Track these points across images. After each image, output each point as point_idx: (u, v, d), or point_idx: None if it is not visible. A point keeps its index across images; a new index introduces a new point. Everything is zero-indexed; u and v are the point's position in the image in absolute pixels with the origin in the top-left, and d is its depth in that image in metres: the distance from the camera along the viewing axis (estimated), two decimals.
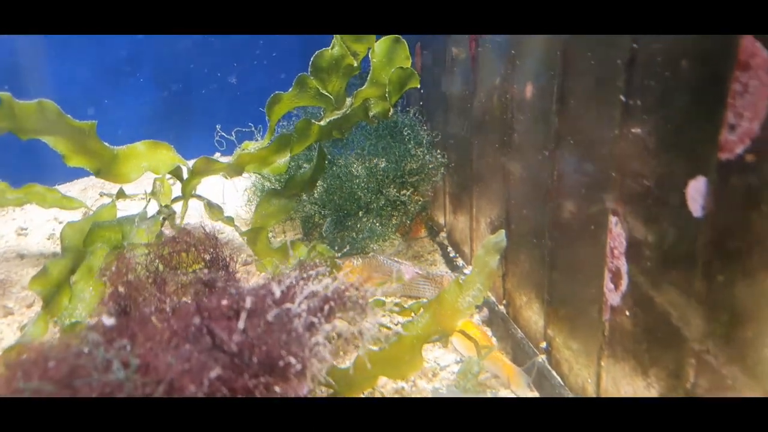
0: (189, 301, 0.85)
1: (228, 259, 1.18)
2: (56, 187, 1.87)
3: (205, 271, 1.07)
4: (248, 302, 0.72)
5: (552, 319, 1.15)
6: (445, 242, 1.86)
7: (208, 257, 1.21)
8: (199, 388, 0.71)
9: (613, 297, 0.92)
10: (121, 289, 1.01)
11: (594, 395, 0.99)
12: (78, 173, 2.33)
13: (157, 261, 1.11)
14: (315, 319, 0.83)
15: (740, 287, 0.68)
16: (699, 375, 0.74)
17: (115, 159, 1.41)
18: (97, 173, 1.36)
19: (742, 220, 0.67)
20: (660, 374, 0.82)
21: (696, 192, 0.73)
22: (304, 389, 0.78)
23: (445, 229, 1.90)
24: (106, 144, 1.38)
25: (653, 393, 0.83)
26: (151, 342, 0.80)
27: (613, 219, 0.91)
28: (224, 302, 0.72)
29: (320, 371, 0.79)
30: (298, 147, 1.49)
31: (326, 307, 0.88)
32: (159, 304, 0.98)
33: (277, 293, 0.77)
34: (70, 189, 2.28)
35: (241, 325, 0.70)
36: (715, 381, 0.72)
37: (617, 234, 0.90)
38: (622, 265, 0.89)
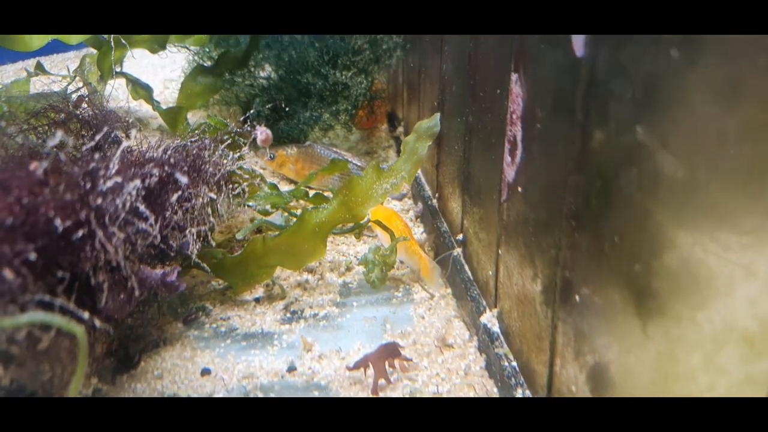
0: None
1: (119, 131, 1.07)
2: None
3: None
4: None
5: (467, 208, 1.01)
6: (402, 137, 1.70)
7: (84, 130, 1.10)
8: None
9: (509, 172, 0.77)
10: None
11: (493, 290, 0.86)
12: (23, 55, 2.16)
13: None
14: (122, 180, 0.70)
15: (612, 146, 0.52)
16: (573, 260, 0.60)
17: None
18: None
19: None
20: (544, 261, 0.68)
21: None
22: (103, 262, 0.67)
23: (402, 123, 1.73)
24: None
25: (538, 286, 0.70)
26: None
27: (513, 77, 0.74)
28: None
29: (121, 251, 0.67)
30: None
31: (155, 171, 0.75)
32: None
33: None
34: (7, 69, 2.13)
35: None
36: (582, 268, 0.58)
37: (516, 94, 0.73)
38: (518, 131, 0.73)
